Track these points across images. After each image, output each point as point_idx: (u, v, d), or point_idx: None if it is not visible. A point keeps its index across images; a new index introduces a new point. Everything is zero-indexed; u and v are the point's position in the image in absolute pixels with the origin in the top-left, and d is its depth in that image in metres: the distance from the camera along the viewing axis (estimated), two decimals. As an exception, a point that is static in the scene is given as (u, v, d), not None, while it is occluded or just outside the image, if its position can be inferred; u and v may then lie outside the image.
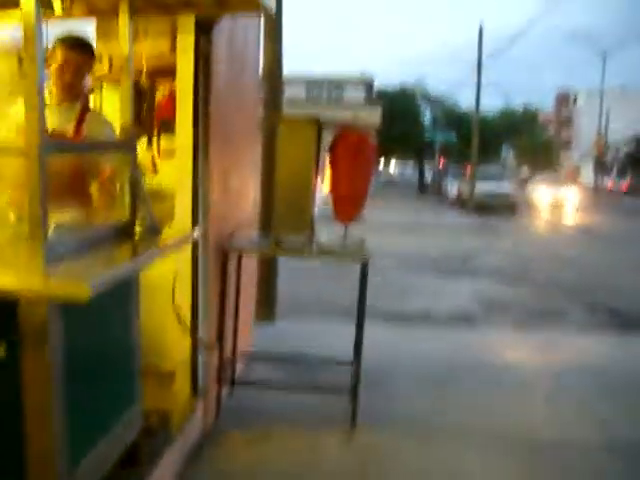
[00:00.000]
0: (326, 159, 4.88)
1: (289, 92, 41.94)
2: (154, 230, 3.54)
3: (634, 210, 38.80)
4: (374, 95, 45.02)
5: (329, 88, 44.09)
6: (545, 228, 25.86)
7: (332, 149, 4.82)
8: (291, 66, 38.96)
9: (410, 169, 68.61)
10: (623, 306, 11.19)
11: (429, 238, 20.96)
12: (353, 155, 4.73)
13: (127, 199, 3.42)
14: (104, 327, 3.16)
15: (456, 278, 13.91)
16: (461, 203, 35.45)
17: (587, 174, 68.27)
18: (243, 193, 5.54)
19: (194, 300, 4.56)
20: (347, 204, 4.82)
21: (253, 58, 6.06)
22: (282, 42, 8.27)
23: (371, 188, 4.91)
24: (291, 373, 6.00)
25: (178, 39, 4.35)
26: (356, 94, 42.71)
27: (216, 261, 4.75)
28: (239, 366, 5.63)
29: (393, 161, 67.30)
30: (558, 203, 36.10)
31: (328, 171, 4.87)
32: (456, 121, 47.79)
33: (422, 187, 49.46)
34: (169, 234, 3.94)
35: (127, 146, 3.43)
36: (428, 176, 50.77)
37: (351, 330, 5.01)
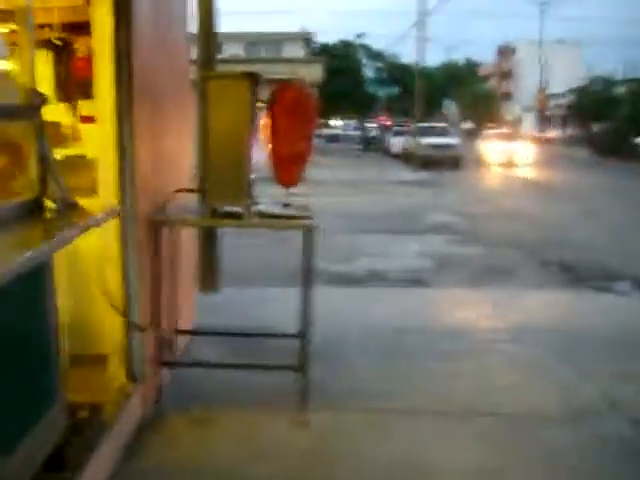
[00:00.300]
0: (263, 118, 4.48)
1: (228, 52, 41.23)
2: (69, 205, 3.12)
3: (577, 160, 39.19)
4: (314, 51, 44.38)
5: (268, 46, 43.30)
6: (492, 182, 25.73)
7: (269, 106, 4.42)
8: (229, 26, 38.06)
9: (354, 126, 68.20)
10: (573, 260, 11.07)
11: (374, 195, 20.73)
12: (292, 111, 4.34)
13: (34, 172, 2.99)
14: (9, 316, 2.74)
15: (404, 237, 13.67)
16: (406, 158, 35.24)
17: (528, 126, 68.70)
18: (177, 159, 5.12)
19: (124, 278, 4.16)
20: (288, 165, 4.44)
21: (182, 13, 5.60)
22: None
23: (313, 146, 4.53)
24: (236, 349, 5.64)
25: (92, -12, 3.90)
26: (295, 51, 42.01)
27: (147, 234, 4.34)
28: (180, 344, 5.26)
29: (337, 118, 66.73)
30: (504, 156, 35.08)
31: (266, 130, 4.47)
32: (399, 75, 47.44)
33: (366, 143, 49.16)
34: (92, 207, 3.54)
35: (30, 112, 2.99)
36: (372, 132, 50.44)
37: (298, 295, 4.63)
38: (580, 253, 11.71)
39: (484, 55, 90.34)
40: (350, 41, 48.60)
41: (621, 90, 51.31)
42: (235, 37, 41.66)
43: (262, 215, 4.41)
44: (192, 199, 4.67)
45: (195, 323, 6.13)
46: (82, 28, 4.40)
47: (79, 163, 4.40)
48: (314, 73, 29.05)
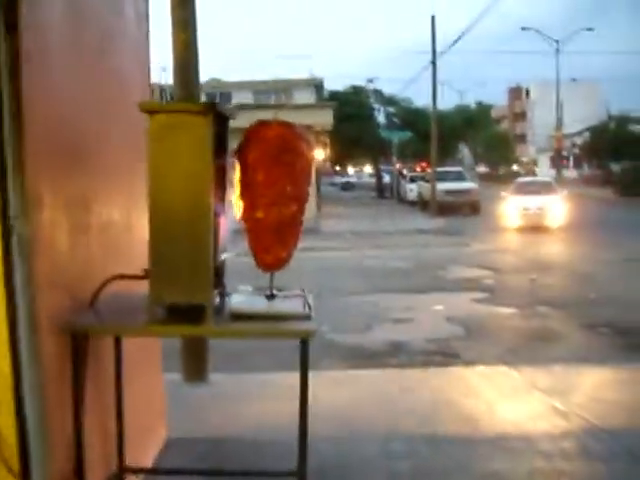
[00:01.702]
0: (235, 170, 3.07)
1: (236, 99, 40.29)
2: None
3: (602, 200, 37.70)
4: (325, 97, 43.34)
5: (277, 93, 42.37)
6: (513, 229, 24.11)
7: (239, 152, 3.01)
8: (238, 75, 37.19)
9: (367, 172, 67.17)
10: (624, 321, 9.52)
11: (391, 247, 19.26)
12: (274, 159, 2.92)
13: None
14: None
15: (426, 297, 12.17)
16: (422, 205, 33.99)
17: (543, 167, 67.23)
18: (121, 234, 3.69)
19: (20, 419, 2.70)
20: (269, 238, 3.00)
21: (133, 40, 4.24)
22: (196, 31, 6.51)
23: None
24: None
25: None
26: (306, 97, 41.01)
27: (61, 349, 2.89)
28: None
29: (350, 165, 65.73)
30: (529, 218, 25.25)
31: (237, 187, 3.06)
32: (411, 119, 46.30)
33: (380, 190, 47.85)
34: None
35: None
36: (386, 178, 49.22)
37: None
38: (630, 311, 10.16)
39: (496, 96, 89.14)
40: (361, 86, 47.59)
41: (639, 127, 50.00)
42: (243, 85, 40.87)
43: (236, 315, 2.96)
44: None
45: (169, 437, 4.71)
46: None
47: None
48: (324, 119, 27.79)
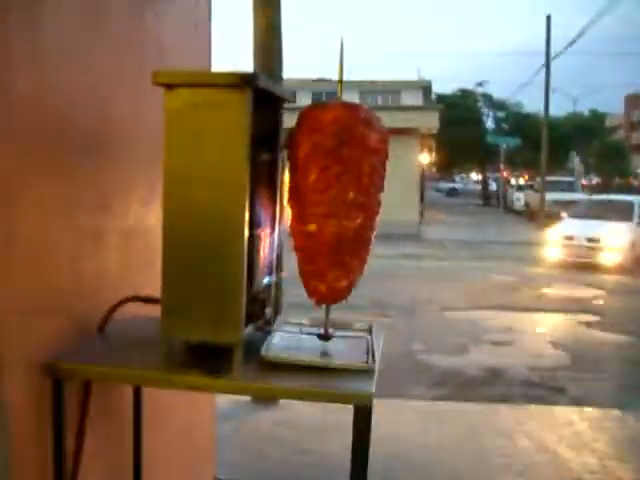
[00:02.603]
0: (285, 169, 2.31)
1: (343, 99, 39.47)
2: None
3: None
4: (433, 100, 42.22)
5: (384, 93, 41.48)
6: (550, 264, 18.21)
7: (288, 144, 2.25)
8: (346, 74, 36.59)
9: (473, 179, 65.54)
10: None
11: (495, 259, 18.12)
12: (330, 152, 2.14)
13: None
14: None
15: (529, 317, 11.15)
16: (529, 215, 32.54)
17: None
18: (141, 239, 2.97)
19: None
20: (322, 257, 2.22)
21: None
22: (279, 12, 5.80)
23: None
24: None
25: None
26: (413, 100, 40.00)
27: (36, 396, 2.19)
28: None
29: (456, 171, 64.18)
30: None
31: (286, 194, 2.30)
32: (521, 125, 44.57)
33: (486, 198, 46.33)
34: None
35: None
36: (492, 185, 47.64)
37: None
38: None
39: (611, 104, 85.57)
40: (470, 90, 46.15)
41: None
42: (350, 85, 40.18)
43: (269, 362, 2.19)
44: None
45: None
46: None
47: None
48: (430, 122, 26.83)
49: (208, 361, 2.17)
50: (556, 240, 17.79)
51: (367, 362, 2.21)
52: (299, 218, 2.23)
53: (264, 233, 2.37)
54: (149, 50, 2.95)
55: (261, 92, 2.17)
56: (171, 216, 2.16)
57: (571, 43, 29.39)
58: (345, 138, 2.13)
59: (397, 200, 23.50)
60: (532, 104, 44.85)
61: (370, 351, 2.30)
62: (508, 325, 10.39)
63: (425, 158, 31.82)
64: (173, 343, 2.24)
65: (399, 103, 39.42)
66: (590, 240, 16.90)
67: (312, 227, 2.19)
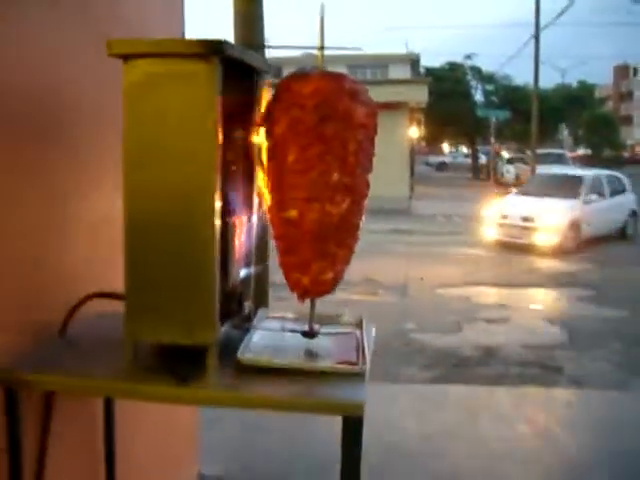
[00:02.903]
0: (262, 146, 2.06)
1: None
2: None
3: None
4: (421, 74, 41.83)
5: (372, 68, 41.06)
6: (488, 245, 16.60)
7: (265, 120, 2.00)
8: (332, 49, 36.11)
9: (463, 152, 65.25)
10: None
11: (488, 236, 17.88)
12: (311, 129, 1.90)
13: None
14: None
15: (523, 292, 10.98)
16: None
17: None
18: (102, 235, 2.71)
19: None
20: (305, 247, 1.98)
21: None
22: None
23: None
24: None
25: None
26: (402, 73, 39.61)
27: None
28: None
29: (444, 144, 63.83)
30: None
31: (263, 176, 2.05)
32: (510, 98, 44.24)
33: (476, 171, 46.07)
34: None
35: None
36: (482, 159, 47.37)
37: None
38: None
39: (600, 75, 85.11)
40: (458, 63, 45.73)
41: None
42: (337, 59, 39.72)
43: (246, 366, 1.95)
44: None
45: (202, 474, 3.80)
46: None
47: None
48: (419, 95, 26.50)
49: (179, 366, 1.93)
50: (493, 219, 16.29)
51: (357, 363, 1.98)
52: (278, 203, 1.99)
53: (240, 220, 2.13)
54: (108, 22, 2.68)
55: (232, 62, 1.93)
56: (132, 203, 1.93)
57: (560, 14, 29.05)
58: (327, 112, 1.89)
59: (387, 175, 23.23)
60: (521, 76, 44.47)
61: (360, 349, 2.07)
62: (501, 302, 10.22)
63: (414, 132, 31.47)
64: (140, 346, 2.01)
65: (387, 77, 39.01)
66: (524, 219, 15.36)
67: (292, 213, 1.95)
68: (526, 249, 15.01)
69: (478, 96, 47.18)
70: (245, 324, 2.21)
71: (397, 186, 23.50)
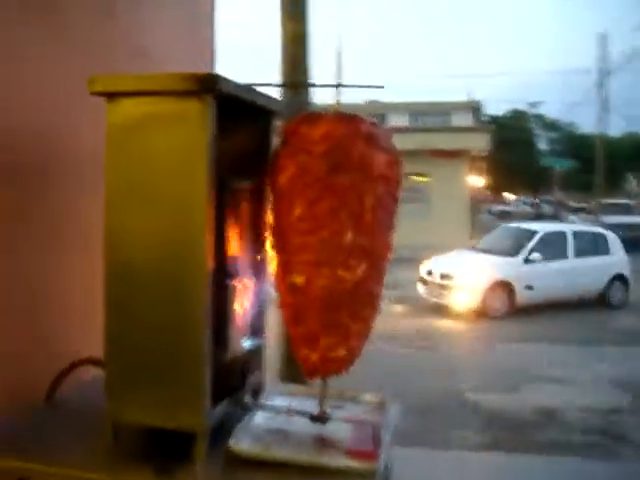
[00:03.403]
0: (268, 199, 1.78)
1: (392, 121, 39.04)
2: None
3: None
4: (484, 121, 41.47)
5: (434, 116, 40.87)
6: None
7: (271, 169, 1.72)
8: (393, 96, 36.05)
9: (526, 201, 64.33)
10: None
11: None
12: (320, 180, 1.60)
13: None
14: None
15: (586, 350, 10.41)
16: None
17: None
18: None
19: None
20: (312, 318, 1.68)
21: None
22: (307, 22, 5.34)
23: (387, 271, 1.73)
24: None
25: None
26: (464, 121, 39.31)
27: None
28: None
29: (508, 193, 63.05)
30: None
31: (269, 234, 1.77)
32: (575, 146, 43.52)
33: (538, 220, 45.26)
34: None
35: None
36: (545, 208, 46.56)
37: None
38: None
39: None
40: (522, 110, 45.28)
41: None
42: (399, 107, 39.81)
43: (237, 458, 1.65)
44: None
45: None
46: None
47: None
48: (480, 143, 26.16)
49: (163, 454, 1.64)
50: (421, 275, 14.30)
51: (373, 454, 1.66)
52: (283, 267, 1.70)
53: (243, 284, 1.84)
54: (121, 52, 2.45)
55: (237, 102, 1.66)
56: (113, 262, 1.66)
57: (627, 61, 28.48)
58: (340, 160, 1.60)
59: (447, 223, 22.92)
60: (586, 124, 43.84)
61: (377, 440, 1.75)
62: (562, 360, 9.69)
63: (478, 181, 31.06)
64: (124, 427, 1.73)
65: (449, 125, 38.76)
66: (443, 277, 13.50)
67: (298, 279, 1.66)
68: (442, 310, 13.28)
69: (542, 144, 46.60)
70: (247, 403, 1.91)
71: (456, 234, 23.05)
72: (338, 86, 1.72)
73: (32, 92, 2.03)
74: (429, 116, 40.95)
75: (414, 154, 20.26)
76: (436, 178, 24.74)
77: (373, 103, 39.17)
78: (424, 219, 22.70)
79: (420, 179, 24.38)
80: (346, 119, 1.63)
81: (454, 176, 24.33)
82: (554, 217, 40.67)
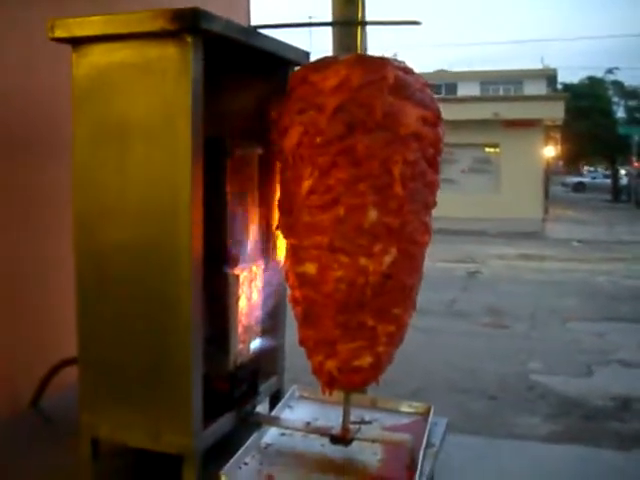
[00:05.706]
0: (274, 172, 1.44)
1: (462, 90, 38.12)
2: None
3: None
4: (557, 90, 40.17)
5: (506, 84, 39.83)
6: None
7: (275, 131, 1.37)
8: (464, 65, 35.17)
9: (602, 172, 62.51)
10: None
11: (628, 263, 16.50)
12: (334, 142, 1.24)
13: None
14: None
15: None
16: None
17: None
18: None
19: None
20: (327, 319, 1.33)
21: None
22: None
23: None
24: None
25: None
26: (537, 89, 38.20)
27: None
28: None
29: (583, 164, 61.32)
30: None
31: (275, 209, 1.42)
32: (656, 115, 41.83)
33: (616, 193, 43.71)
34: None
35: None
36: (623, 180, 45.04)
37: None
38: None
39: None
40: (599, 77, 43.62)
41: None
42: (470, 75, 38.97)
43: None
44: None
45: None
46: None
47: None
48: (555, 112, 25.21)
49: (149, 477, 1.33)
50: None
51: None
52: (291, 252, 1.35)
53: (251, 271, 1.51)
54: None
55: (241, 49, 1.31)
56: (84, 250, 1.34)
57: None
58: (359, 116, 1.24)
59: (519, 196, 22.18)
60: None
61: (412, 465, 1.40)
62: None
63: (550, 151, 30.06)
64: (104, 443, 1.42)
65: (522, 93, 37.69)
66: None
67: (309, 268, 1.31)
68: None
69: (620, 113, 44.89)
70: (258, 416, 1.58)
71: (529, 208, 22.29)
72: (361, 24, 1.35)
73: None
74: (501, 84, 39.96)
75: (485, 124, 19.94)
76: (508, 149, 23.98)
77: (442, 72, 38.42)
78: (494, 192, 22.03)
79: (491, 150, 23.69)
80: (367, 63, 1.26)
81: (526, 147, 23.48)
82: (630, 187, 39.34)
